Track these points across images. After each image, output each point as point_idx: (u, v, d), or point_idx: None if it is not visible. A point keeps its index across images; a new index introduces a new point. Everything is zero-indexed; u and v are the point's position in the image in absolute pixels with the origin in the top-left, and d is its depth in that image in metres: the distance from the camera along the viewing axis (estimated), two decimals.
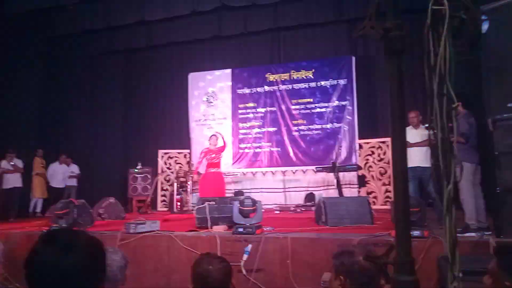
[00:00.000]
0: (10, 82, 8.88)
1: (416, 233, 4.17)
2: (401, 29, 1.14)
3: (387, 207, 7.92)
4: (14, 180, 8.63)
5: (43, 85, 9.75)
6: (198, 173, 8.43)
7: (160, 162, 10.24)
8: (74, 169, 9.90)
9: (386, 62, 1.19)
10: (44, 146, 9.64)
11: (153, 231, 5.13)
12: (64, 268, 1.02)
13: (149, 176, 10.00)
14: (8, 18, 8.65)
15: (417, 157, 5.71)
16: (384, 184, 8.86)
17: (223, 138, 8.14)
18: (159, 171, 10.15)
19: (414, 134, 5.76)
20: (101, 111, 11.04)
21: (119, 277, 2.19)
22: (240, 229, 4.84)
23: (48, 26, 9.62)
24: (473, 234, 4.37)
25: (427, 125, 5.64)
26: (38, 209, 9.40)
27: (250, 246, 4.59)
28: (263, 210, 5.39)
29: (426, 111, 1.24)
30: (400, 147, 1.31)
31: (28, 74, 9.34)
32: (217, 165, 7.95)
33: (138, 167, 10.11)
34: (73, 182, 9.86)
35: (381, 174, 8.91)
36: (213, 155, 7.89)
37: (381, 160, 8.96)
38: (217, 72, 10.47)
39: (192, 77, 10.60)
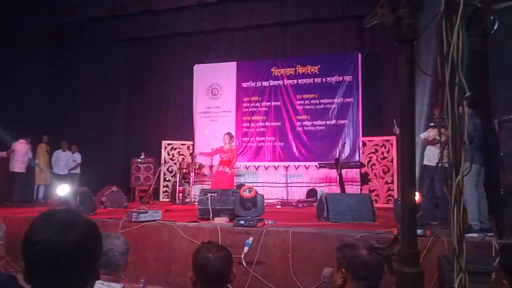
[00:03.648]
0: (15, 69, 8.87)
1: (418, 232, 4.15)
2: (413, 17, 1.12)
3: (389, 205, 7.92)
4: (18, 166, 8.65)
5: (47, 72, 9.73)
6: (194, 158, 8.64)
7: (163, 153, 10.26)
8: (77, 157, 9.93)
9: (397, 50, 1.17)
10: (48, 133, 9.65)
11: (155, 220, 5.14)
12: (63, 246, 1.02)
13: (152, 166, 10.02)
14: (12, 5, 8.63)
15: (428, 155, 5.70)
16: (386, 183, 8.85)
17: (233, 138, 8.15)
18: (162, 161, 10.18)
19: (436, 133, 5.73)
20: (105, 100, 11.04)
21: (121, 262, 2.19)
22: (242, 222, 4.85)
23: (52, 13, 9.60)
24: (475, 234, 4.35)
25: (432, 124, 5.66)
26: (41, 195, 9.45)
27: (251, 238, 4.60)
28: (264, 204, 5.39)
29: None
30: (408, 139, 1.30)
31: (33, 61, 9.31)
32: (228, 163, 7.91)
33: (141, 157, 10.14)
34: (76, 170, 9.89)
35: (384, 173, 8.90)
36: (227, 155, 7.91)
37: (384, 158, 8.94)
38: (222, 65, 10.44)
39: (197, 68, 10.58)
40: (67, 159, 9.72)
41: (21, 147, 8.68)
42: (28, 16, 9.04)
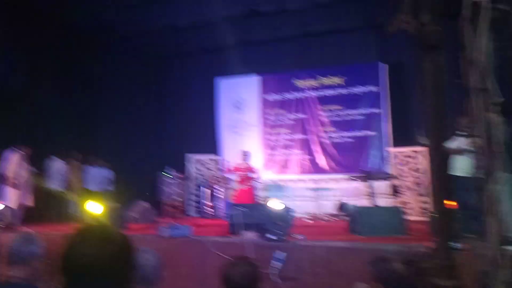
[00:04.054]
0: (49, 87, 9.19)
1: (455, 245, 4.00)
2: (437, 23, 1.10)
3: (423, 218, 7.69)
4: (54, 183, 8.98)
5: (79, 90, 10.05)
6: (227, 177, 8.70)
7: (192, 168, 10.37)
8: (108, 173, 10.16)
9: (421, 58, 1.15)
10: (79, 150, 9.94)
11: (186, 235, 5.17)
12: (101, 260, 1.05)
13: (180, 181, 10.13)
14: (43, 22, 8.99)
15: (456, 165, 5.52)
16: (419, 195, 8.60)
17: (249, 158, 8.16)
18: (190, 176, 10.28)
19: (463, 142, 5.56)
20: (134, 116, 11.31)
21: (154, 277, 2.21)
22: (272, 236, 4.81)
23: (82, 28, 9.92)
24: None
25: (459, 133, 5.48)
26: (74, 211, 9.68)
27: (281, 253, 4.55)
28: (294, 218, 5.34)
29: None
30: (437, 148, 1.26)
31: (65, 79, 9.65)
32: (247, 181, 7.97)
33: (170, 172, 10.27)
34: (108, 186, 10.11)
35: (417, 184, 8.66)
36: (244, 173, 7.97)
37: (416, 169, 8.71)
38: (246, 78, 10.52)
39: (221, 83, 10.71)
40: (98, 175, 9.96)
41: (55, 165, 9.00)
42: (60, 31, 9.39)
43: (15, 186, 7.17)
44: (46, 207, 8.86)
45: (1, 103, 8.06)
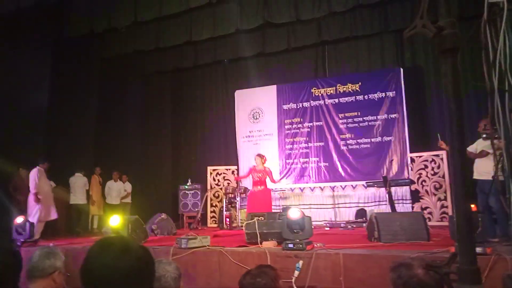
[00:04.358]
0: (68, 104, 9.41)
1: (478, 249, 3.90)
2: (454, 27, 1.09)
3: (444, 223, 7.54)
4: (77, 198, 9.20)
5: (97, 105, 10.25)
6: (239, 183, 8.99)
7: (209, 179, 10.43)
8: (128, 186, 10.30)
9: (440, 61, 1.14)
10: (100, 165, 10.10)
11: (204, 246, 5.18)
12: (119, 271, 1.06)
13: (198, 192, 10.20)
14: (64, 42, 9.24)
15: (478, 169, 5.44)
16: (439, 199, 8.45)
17: (265, 160, 8.23)
18: (208, 187, 10.33)
19: (485, 145, 5.49)
20: (152, 129, 11.47)
21: (174, 287, 2.22)
22: (290, 245, 4.78)
23: (101, 47, 10.19)
24: None
25: (484, 135, 5.39)
26: (95, 225, 9.83)
27: (301, 262, 4.52)
28: (313, 226, 5.30)
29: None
30: (458, 151, 1.25)
31: (83, 95, 9.86)
32: (262, 183, 8.07)
33: (188, 184, 10.35)
34: (127, 199, 10.25)
35: (436, 189, 8.52)
36: (259, 175, 8.05)
37: (435, 174, 8.58)
38: (262, 89, 10.59)
39: (238, 94, 10.79)
40: (118, 189, 10.12)
41: (78, 181, 9.21)
42: (78, 52, 9.64)
43: (37, 200, 7.30)
44: (69, 221, 9.07)
45: (24, 121, 8.28)
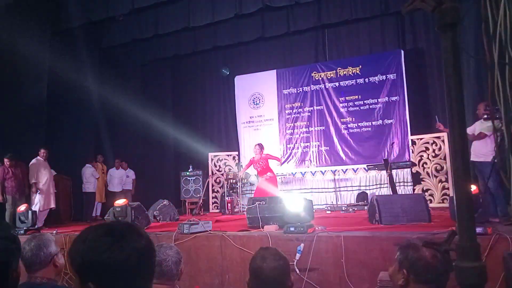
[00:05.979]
0: (68, 95, 9.38)
1: (478, 229, 3.92)
2: (454, 0, 1.07)
3: (445, 205, 7.56)
4: (88, 186, 9.37)
5: (98, 94, 10.23)
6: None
7: (210, 165, 10.44)
8: (130, 173, 10.33)
9: (440, 36, 1.12)
10: (102, 153, 10.12)
11: (206, 231, 5.21)
12: (121, 256, 1.05)
13: (200, 178, 10.23)
14: (62, 32, 9.18)
15: (475, 151, 5.44)
16: (440, 181, 8.47)
17: (262, 148, 8.15)
18: (210, 173, 10.36)
19: (483, 127, 5.48)
20: (153, 116, 11.43)
21: (175, 271, 2.23)
22: (292, 228, 4.80)
23: (100, 37, 10.12)
24: None
25: (485, 116, 5.37)
26: (98, 213, 9.89)
27: (302, 245, 4.54)
28: (314, 210, 5.31)
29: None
30: (458, 130, 1.23)
31: (85, 85, 9.82)
32: (266, 170, 7.98)
33: (190, 170, 10.37)
34: (129, 186, 10.28)
35: (437, 171, 8.53)
36: (260, 163, 7.99)
37: (436, 156, 8.57)
38: (262, 74, 10.52)
39: (238, 79, 10.73)
40: (120, 176, 10.15)
41: (87, 170, 9.43)
42: (78, 41, 9.57)
43: (34, 191, 7.42)
44: (75, 209, 9.22)
45: (24, 111, 8.27)
